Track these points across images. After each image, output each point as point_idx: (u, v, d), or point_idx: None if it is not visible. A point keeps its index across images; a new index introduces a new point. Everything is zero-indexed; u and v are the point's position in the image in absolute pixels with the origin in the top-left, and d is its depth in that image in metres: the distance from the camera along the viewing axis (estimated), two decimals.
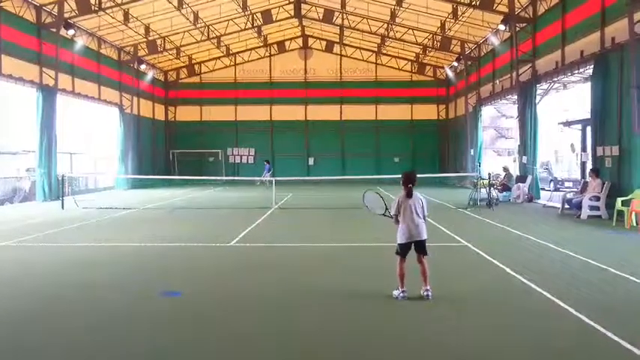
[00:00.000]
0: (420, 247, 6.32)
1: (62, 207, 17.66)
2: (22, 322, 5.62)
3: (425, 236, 6.31)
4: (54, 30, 21.95)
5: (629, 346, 4.66)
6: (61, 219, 14.86)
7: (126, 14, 24.75)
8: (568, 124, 23.36)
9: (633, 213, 12.50)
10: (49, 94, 21.55)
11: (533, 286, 6.83)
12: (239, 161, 37.92)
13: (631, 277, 7.24)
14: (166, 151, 37.43)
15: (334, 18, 30.04)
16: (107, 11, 23.45)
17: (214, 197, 23.86)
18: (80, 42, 24.90)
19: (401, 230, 6.31)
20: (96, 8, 22.43)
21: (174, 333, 5.25)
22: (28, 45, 21.14)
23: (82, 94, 25.43)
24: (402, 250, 6.32)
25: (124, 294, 6.75)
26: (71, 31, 22.46)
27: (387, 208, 6.61)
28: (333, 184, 32.57)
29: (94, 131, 30.59)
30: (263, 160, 33.65)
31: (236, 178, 33.96)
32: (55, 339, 5.10)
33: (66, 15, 21.95)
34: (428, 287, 6.25)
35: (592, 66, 16.39)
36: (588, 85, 17.17)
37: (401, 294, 6.23)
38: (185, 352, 4.76)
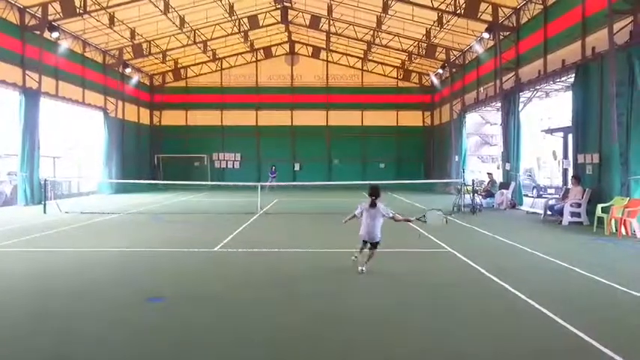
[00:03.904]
0: (373, 245, 8.04)
1: (44, 211, 17.44)
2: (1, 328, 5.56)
3: (377, 239, 7.97)
4: (38, 32, 21.74)
5: (602, 347, 4.77)
6: (43, 224, 14.67)
7: (111, 17, 24.60)
8: (550, 131, 23.72)
9: (613, 219, 12.75)
10: (32, 97, 21.31)
11: (514, 291, 6.93)
12: (225, 166, 37.79)
13: (603, 280, 7.39)
14: (151, 156, 37.17)
15: (321, 24, 30.20)
16: (92, 14, 23.29)
17: (199, 202, 23.73)
18: (64, 45, 24.67)
19: (361, 229, 8.06)
20: (81, 11, 22.24)
21: (156, 339, 5.23)
22: (10, 47, 20.88)
23: (66, 98, 25.17)
24: (361, 243, 8.12)
25: (107, 300, 6.69)
26: (55, 34, 22.25)
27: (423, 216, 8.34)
28: (319, 189, 32.61)
29: (78, 135, 30.25)
30: (270, 164, 33.93)
31: (221, 183, 33.82)
32: (37, 346, 5.05)
33: (50, 17, 21.76)
34: (365, 267, 8.05)
35: (573, 75, 16.70)
36: (570, 93, 17.48)
37: (355, 254, 8.25)
38: (168, 358, 4.75)
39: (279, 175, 33.35)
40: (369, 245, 8.09)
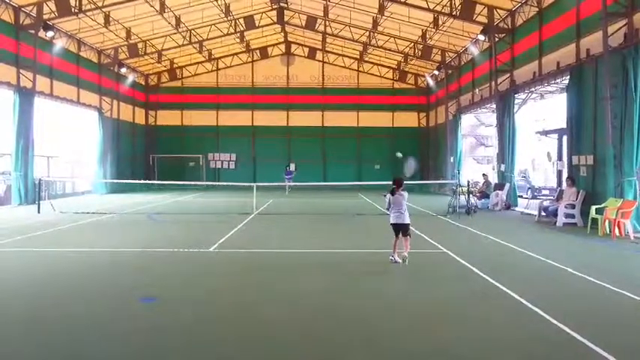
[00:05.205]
0: (404, 229, 8.98)
1: (38, 211, 17.36)
2: None
3: (407, 220, 9.00)
4: (32, 32, 21.64)
5: (594, 346, 4.81)
6: (37, 223, 14.60)
7: (107, 17, 24.52)
8: (545, 133, 23.83)
9: (607, 221, 12.81)
10: (26, 96, 21.21)
11: (508, 291, 6.96)
12: (220, 166, 37.73)
13: (596, 281, 7.43)
14: (146, 156, 37.07)
15: (317, 25, 30.21)
16: (87, 14, 23.22)
17: (194, 202, 23.69)
18: (59, 44, 24.58)
19: (391, 218, 9.15)
20: (76, 10, 22.17)
21: (149, 339, 5.22)
22: (5, 46, 20.78)
23: (61, 97, 25.07)
24: (394, 232, 9.06)
25: (100, 299, 6.67)
26: (50, 33, 22.15)
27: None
28: (314, 190, 32.66)
29: (73, 135, 30.13)
30: (285, 165, 34.28)
31: (216, 183, 33.81)
32: (29, 345, 5.03)
33: (45, 16, 21.68)
34: (401, 257, 8.94)
35: (568, 77, 16.78)
36: (565, 95, 17.56)
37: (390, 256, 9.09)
38: (163, 357, 4.74)
39: (274, 175, 33.21)
40: (400, 233, 8.98)
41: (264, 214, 17.93)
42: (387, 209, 9.26)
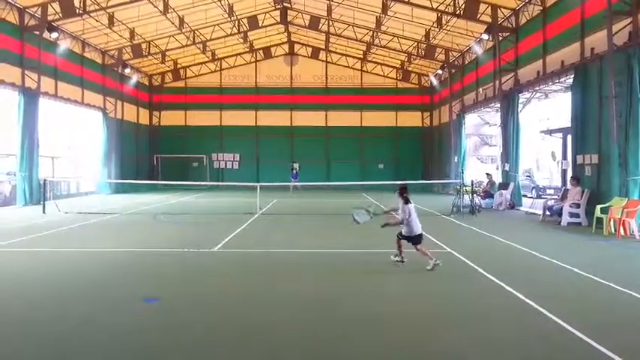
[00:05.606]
0: (415, 240, 8.46)
1: (43, 211, 17.43)
2: None
3: (420, 231, 8.46)
4: (37, 33, 21.72)
5: (601, 347, 4.79)
6: (43, 224, 14.65)
7: (111, 18, 24.59)
8: (549, 132, 23.75)
9: (612, 220, 12.76)
10: (31, 97, 21.29)
11: (513, 291, 6.94)
12: (223, 167, 37.78)
13: (601, 281, 7.40)
14: (150, 156, 37.15)
15: (320, 25, 30.21)
16: (92, 14, 23.28)
17: (198, 203, 23.72)
18: (64, 45, 24.67)
19: (405, 229, 8.47)
20: (80, 11, 22.24)
21: (153, 339, 5.23)
22: (10, 47, 20.85)
23: (65, 98, 25.15)
24: (399, 242, 8.69)
25: (104, 299, 6.68)
26: (54, 34, 22.24)
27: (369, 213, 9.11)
28: (318, 190, 32.66)
29: (77, 135, 30.23)
30: (290, 163, 34.72)
31: (220, 183, 33.86)
32: (33, 347, 5.04)
33: (49, 18, 21.75)
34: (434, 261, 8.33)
35: (572, 76, 16.72)
36: (569, 94, 17.49)
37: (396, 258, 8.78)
38: (166, 358, 4.75)
39: (278, 175, 33.23)
40: (411, 244, 8.43)
41: (268, 214, 17.94)
42: (405, 222, 8.37)
